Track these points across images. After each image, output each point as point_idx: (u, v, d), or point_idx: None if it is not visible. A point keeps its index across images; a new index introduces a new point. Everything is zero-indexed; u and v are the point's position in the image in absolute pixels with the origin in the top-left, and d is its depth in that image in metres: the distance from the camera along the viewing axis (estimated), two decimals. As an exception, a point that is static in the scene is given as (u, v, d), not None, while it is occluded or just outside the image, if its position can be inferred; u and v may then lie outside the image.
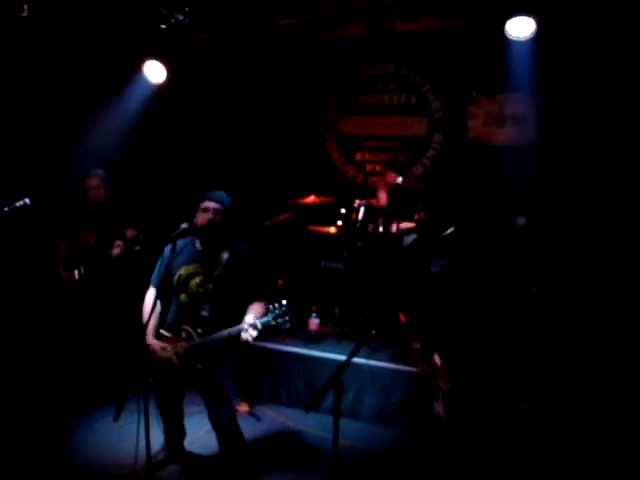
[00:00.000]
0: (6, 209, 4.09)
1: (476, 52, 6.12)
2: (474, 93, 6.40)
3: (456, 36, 6.15)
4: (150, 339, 3.71)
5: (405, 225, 5.84)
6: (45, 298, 5.29)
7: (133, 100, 6.16)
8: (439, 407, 3.65)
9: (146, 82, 5.90)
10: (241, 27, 5.96)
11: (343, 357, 2.86)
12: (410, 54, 6.72)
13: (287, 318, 3.44)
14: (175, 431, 4.16)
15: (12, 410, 4.71)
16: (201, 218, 3.70)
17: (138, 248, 4.90)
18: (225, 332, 3.56)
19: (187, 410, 4.23)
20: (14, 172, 5.58)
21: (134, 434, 3.29)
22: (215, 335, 3.59)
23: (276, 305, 3.49)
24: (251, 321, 3.53)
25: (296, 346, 5.36)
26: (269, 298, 3.74)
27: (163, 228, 4.00)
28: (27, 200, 4.19)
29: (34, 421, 4.65)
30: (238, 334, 3.53)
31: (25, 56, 5.66)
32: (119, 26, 6.02)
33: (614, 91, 5.43)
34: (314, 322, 5.61)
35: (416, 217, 5.86)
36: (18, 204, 4.17)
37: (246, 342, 3.51)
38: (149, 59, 5.75)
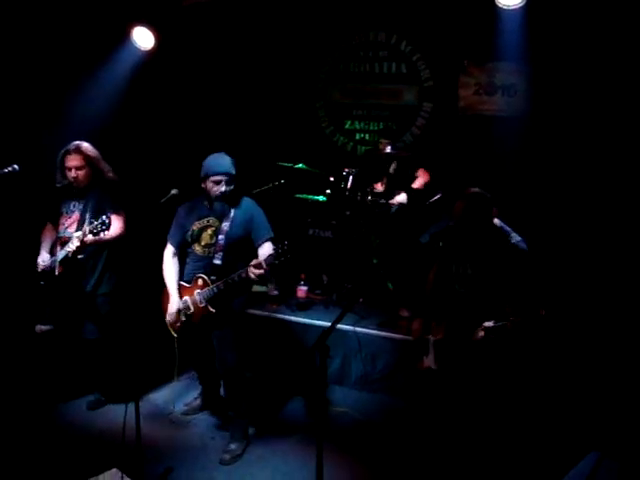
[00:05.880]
0: (-6, 176, 4.06)
1: (467, 21, 6.05)
2: (465, 61, 6.36)
3: (447, 4, 6.08)
4: (174, 297, 4.05)
5: (399, 199, 5.82)
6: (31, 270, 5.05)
7: (121, 65, 6.06)
8: (429, 360, 3.76)
9: (134, 48, 5.83)
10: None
11: (330, 324, 2.92)
12: (401, 22, 6.65)
13: (289, 256, 3.63)
14: (209, 379, 4.55)
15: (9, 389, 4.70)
16: (213, 189, 3.96)
17: (106, 234, 3.99)
18: (234, 275, 3.83)
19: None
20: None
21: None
22: (226, 279, 3.86)
23: (279, 245, 3.67)
24: (256, 261, 3.77)
25: (284, 313, 5.45)
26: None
27: (152, 204, 4.13)
28: (16, 166, 4.16)
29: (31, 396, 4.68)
30: (247, 275, 3.77)
31: (9, 19, 5.54)
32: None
33: (604, 61, 5.41)
34: (302, 289, 5.67)
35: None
36: (6, 170, 4.14)
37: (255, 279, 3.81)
38: (137, 25, 5.67)
